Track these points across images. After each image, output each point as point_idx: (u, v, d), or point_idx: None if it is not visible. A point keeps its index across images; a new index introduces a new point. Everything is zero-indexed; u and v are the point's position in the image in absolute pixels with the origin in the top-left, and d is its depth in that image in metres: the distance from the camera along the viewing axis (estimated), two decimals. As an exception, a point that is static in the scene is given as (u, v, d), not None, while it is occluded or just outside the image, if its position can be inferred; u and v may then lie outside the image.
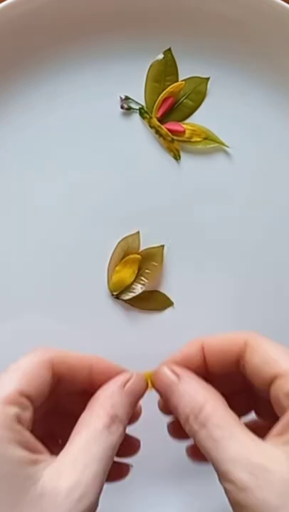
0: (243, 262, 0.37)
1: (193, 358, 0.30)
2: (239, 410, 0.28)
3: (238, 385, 0.30)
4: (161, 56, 0.36)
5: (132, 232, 0.36)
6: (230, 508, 0.28)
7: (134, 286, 0.36)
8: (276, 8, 0.35)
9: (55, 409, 0.29)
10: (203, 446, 0.26)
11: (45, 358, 0.28)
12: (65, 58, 0.36)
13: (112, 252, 0.36)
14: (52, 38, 0.36)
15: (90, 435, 0.26)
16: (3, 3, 0.34)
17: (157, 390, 0.30)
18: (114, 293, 0.36)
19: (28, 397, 0.26)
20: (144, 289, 0.36)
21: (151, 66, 0.36)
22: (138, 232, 0.36)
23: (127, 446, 0.30)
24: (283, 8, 0.35)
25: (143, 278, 0.36)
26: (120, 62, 0.36)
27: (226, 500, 0.28)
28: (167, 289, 0.36)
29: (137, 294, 0.36)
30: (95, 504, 0.25)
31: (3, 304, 0.36)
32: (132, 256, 0.36)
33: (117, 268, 0.36)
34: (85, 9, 0.35)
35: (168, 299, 0.36)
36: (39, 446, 0.26)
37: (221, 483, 0.26)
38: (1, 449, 0.24)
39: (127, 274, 0.36)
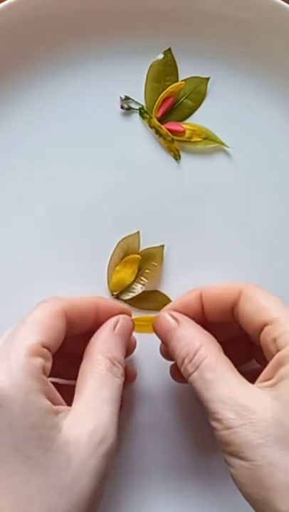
0: (243, 262, 0.37)
1: (191, 306, 0.32)
2: (238, 358, 0.30)
3: (235, 333, 0.32)
4: (161, 56, 0.36)
5: (132, 232, 0.36)
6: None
7: (134, 286, 0.36)
8: (276, 8, 0.35)
9: (59, 353, 0.30)
10: (196, 387, 0.28)
11: (58, 308, 0.29)
12: (65, 58, 0.36)
13: (112, 252, 0.36)
14: (52, 38, 0.36)
15: (96, 381, 0.28)
16: (3, 3, 0.34)
17: (157, 334, 0.32)
18: (115, 293, 0.36)
19: (48, 348, 0.28)
20: (144, 288, 0.36)
21: (151, 66, 0.36)
22: (138, 233, 0.36)
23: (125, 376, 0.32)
24: (283, 8, 0.35)
25: (143, 278, 0.36)
26: (120, 62, 0.36)
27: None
28: (167, 289, 0.36)
29: (136, 294, 0.36)
30: (114, 445, 0.27)
31: (3, 305, 0.36)
32: (131, 256, 0.36)
33: (117, 268, 0.36)
34: (85, 9, 0.35)
35: (168, 298, 0.36)
36: (58, 396, 0.28)
37: (210, 422, 0.27)
38: (32, 399, 0.26)
39: (127, 274, 0.36)
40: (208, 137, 0.36)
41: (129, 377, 0.33)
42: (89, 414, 0.27)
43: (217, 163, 0.37)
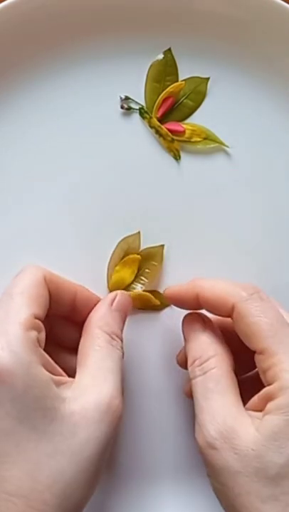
0: (243, 261, 0.37)
1: (189, 302, 0.31)
2: (247, 363, 0.30)
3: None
4: (161, 56, 0.36)
5: (133, 232, 0.36)
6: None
7: (134, 286, 0.36)
8: (276, 8, 0.34)
9: None
10: (195, 391, 0.29)
11: (39, 275, 0.30)
12: (65, 58, 0.36)
13: (112, 251, 0.36)
14: (52, 38, 0.36)
15: (98, 353, 0.29)
16: (3, 3, 0.34)
17: (183, 329, 0.32)
18: (114, 293, 0.36)
19: (39, 319, 0.28)
20: (144, 288, 0.36)
21: (151, 66, 0.36)
22: (138, 233, 0.36)
23: None
24: (283, 8, 0.35)
25: (143, 278, 0.36)
26: (120, 62, 0.36)
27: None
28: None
29: (136, 293, 0.36)
30: (120, 413, 0.28)
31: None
32: (131, 256, 0.36)
33: (117, 268, 0.36)
34: (85, 9, 0.35)
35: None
36: (57, 367, 0.28)
37: (195, 435, 0.28)
38: (33, 373, 0.26)
39: (126, 274, 0.36)
40: (208, 137, 0.36)
41: None
42: (94, 384, 0.28)
43: (217, 163, 0.37)
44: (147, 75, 0.36)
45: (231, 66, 0.36)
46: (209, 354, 0.29)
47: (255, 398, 0.28)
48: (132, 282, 0.36)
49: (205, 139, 0.36)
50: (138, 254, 0.36)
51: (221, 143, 0.36)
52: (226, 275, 0.36)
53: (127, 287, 0.36)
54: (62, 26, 0.35)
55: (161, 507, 0.35)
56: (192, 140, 0.36)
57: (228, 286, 0.29)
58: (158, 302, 0.36)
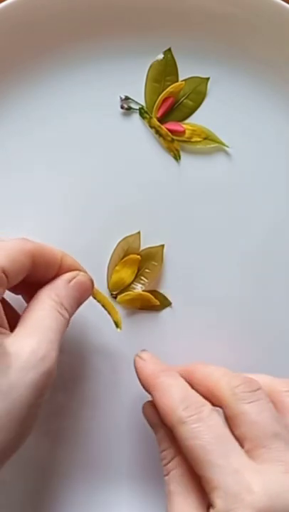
0: (242, 262, 0.37)
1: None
2: None
3: None
4: (161, 56, 0.36)
5: (133, 232, 0.36)
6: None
7: (134, 286, 0.36)
8: (276, 8, 0.34)
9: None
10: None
11: (26, 247, 0.30)
12: (65, 58, 0.36)
13: (112, 252, 0.36)
14: (52, 38, 0.36)
15: (41, 313, 0.30)
16: (3, 3, 0.34)
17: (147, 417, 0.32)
18: (114, 292, 0.36)
19: (6, 275, 0.29)
20: (144, 288, 0.36)
21: (151, 66, 0.36)
22: (139, 232, 0.36)
23: None
24: (283, 8, 0.34)
25: (143, 277, 0.36)
26: (120, 62, 0.36)
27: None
28: (166, 289, 0.36)
29: (136, 293, 0.36)
30: (54, 370, 0.28)
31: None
32: (131, 256, 0.36)
33: (117, 268, 0.36)
34: (85, 9, 0.35)
35: (166, 298, 0.36)
36: (4, 320, 0.29)
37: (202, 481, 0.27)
38: None
39: (126, 274, 0.36)
40: (208, 137, 0.36)
41: None
42: (31, 335, 0.28)
43: (217, 163, 0.37)
44: (147, 75, 0.36)
45: (231, 66, 0.36)
46: (170, 456, 0.30)
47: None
48: (132, 282, 0.36)
49: (205, 139, 0.36)
50: (138, 254, 0.36)
51: (221, 143, 0.36)
52: (226, 275, 0.36)
53: (127, 287, 0.36)
54: (62, 26, 0.35)
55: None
56: (192, 140, 0.36)
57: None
58: (158, 302, 0.36)
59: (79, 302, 0.32)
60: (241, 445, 0.28)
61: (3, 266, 0.28)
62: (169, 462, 0.30)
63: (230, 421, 0.29)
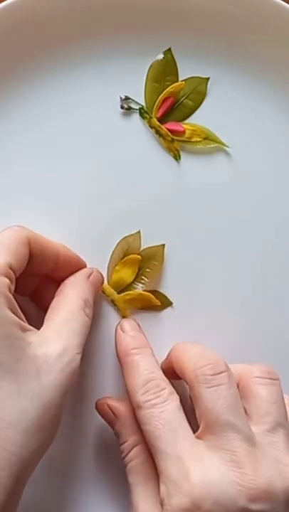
0: (243, 262, 0.37)
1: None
2: None
3: None
4: (161, 56, 0.36)
5: (133, 232, 0.36)
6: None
7: (134, 286, 0.36)
8: (276, 8, 0.35)
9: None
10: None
11: (23, 235, 0.30)
12: (65, 58, 0.36)
13: (112, 251, 0.36)
14: (52, 38, 0.36)
15: (68, 314, 0.30)
16: (3, 3, 0.34)
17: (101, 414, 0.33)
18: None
19: (13, 271, 0.29)
20: (144, 288, 0.36)
21: (151, 66, 0.36)
22: (139, 232, 0.36)
23: None
24: (283, 8, 0.35)
25: (144, 277, 0.36)
26: (120, 62, 0.36)
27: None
28: (166, 288, 0.36)
29: (137, 293, 0.36)
30: (77, 371, 0.29)
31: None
32: (131, 256, 0.36)
33: (117, 268, 0.36)
34: (85, 9, 0.35)
35: (166, 298, 0.36)
36: (23, 317, 0.29)
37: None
38: (2, 313, 0.27)
39: (126, 273, 0.36)
40: (208, 137, 0.37)
41: None
42: (59, 338, 0.29)
43: (217, 163, 0.37)
44: (147, 75, 0.36)
45: (231, 66, 0.36)
46: (128, 449, 0.31)
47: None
48: (132, 282, 0.36)
49: (205, 139, 0.37)
50: (138, 253, 0.36)
51: (221, 143, 0.37)
52: (226, 274, 0.36)
53: (127, 287, 0.36)
54: (62, 26, 0.35)
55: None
56: (192, 140, 0.36)
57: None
58: (158, 302, 0.36)
59: (95, 295, 0.33)
60: (199, 425, 0.28)
61: (10, 262, 0.29)
62: (128, 454, 0.30)
63: (192, 400, 0.29)
